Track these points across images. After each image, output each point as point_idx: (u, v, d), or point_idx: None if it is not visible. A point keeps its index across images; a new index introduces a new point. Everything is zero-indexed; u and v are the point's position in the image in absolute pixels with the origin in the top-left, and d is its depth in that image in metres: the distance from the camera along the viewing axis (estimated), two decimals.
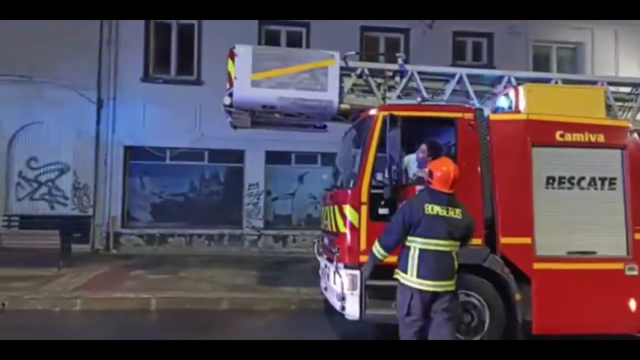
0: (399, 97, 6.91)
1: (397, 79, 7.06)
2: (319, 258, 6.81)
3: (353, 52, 6.97)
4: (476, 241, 5.22)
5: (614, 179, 5.57)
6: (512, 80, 6.96)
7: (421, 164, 5.50)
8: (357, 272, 5.21)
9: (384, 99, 6.91)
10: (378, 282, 4.96)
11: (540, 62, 14.57)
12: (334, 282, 5.53)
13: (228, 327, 6.72)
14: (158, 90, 13.05)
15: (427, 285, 4.14)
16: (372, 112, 5.67)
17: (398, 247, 4.34)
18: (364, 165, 5.36)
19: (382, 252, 4.37)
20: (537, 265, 5.33)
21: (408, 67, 7.08)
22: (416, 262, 4.16)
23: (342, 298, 5.30)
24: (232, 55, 6.66)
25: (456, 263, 4.28)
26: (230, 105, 6.77)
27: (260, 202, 13.56)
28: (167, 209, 13.50)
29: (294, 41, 13.75)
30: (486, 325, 5.29)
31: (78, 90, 12.17)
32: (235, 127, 7.90)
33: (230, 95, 6.69)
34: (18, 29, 11.23)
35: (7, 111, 12.04)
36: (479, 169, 5.48)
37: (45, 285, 8.10)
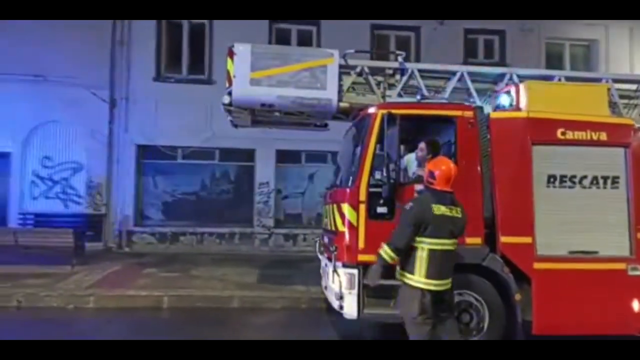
0: (399, 95, 6.88)
1: (397, 77, 7.02)
2: (320, 257, 6.81)
3: (352, 50, 6.93)
4: (476, 240, 5.25)
5: (617, 177, 5.48)
6: (514, 77, 6.87)
7: (421, 163, 5.48)
8: (355, 271, 5.21)
9: (384, 97, 6.87)
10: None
11: (553, 60, 14.29)
12: (333, 281, 5.52)
13: (239, 325, 6.79)
14: (170, 89, 13.15)
15: (435, 285, 4.18)
16: (371, 110, 5.65)
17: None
18: (363, 164, 5.33)
19: (393, 255, 4.29)
20: (537, 265, 5.27)
21: (408, 65, 7.04)
22: (425, 263, 4.18)
23: (340, 297, 5.29)
24: (231, 54, 6.66)
25: None
26: (230, 104, 6.78)
27: (271, 200, 13.58)
28: (178, 208, 13.60)
29: (305, 40, 13.75)
30: (486, 325, 5.27)
31: (91, 89, 12.30)
32: (236, 125, 7.95)
33: (230, 94, 6.70)
34: (32, 29, 11.42)
35: (22, 110, 12.21)
36: (478, 168, 5.43)
37: (60, 283, 8.22)
